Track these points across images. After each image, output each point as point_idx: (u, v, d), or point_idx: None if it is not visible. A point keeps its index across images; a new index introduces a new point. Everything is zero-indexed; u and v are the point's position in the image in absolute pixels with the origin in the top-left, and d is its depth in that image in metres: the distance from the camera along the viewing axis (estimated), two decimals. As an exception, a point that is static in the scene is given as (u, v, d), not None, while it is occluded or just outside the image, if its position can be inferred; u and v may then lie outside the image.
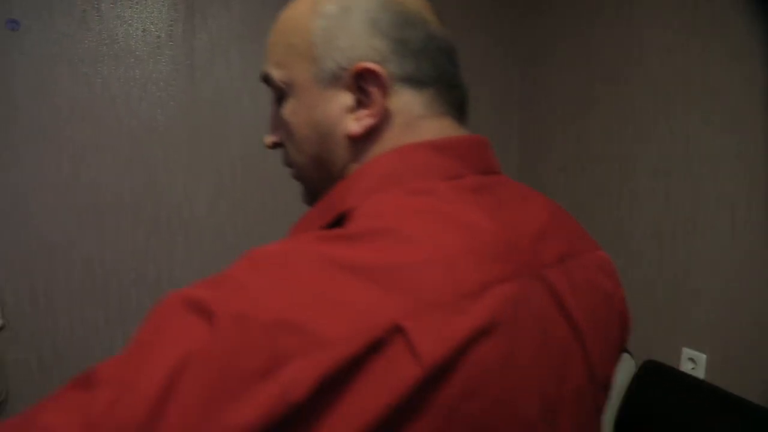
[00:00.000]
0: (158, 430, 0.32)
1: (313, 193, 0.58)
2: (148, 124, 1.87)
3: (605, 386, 0.54)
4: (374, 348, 0.34)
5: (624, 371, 1.60)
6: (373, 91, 0.49)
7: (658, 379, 1.54)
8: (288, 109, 0.55)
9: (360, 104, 0.51)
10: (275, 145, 0.59)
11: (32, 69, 1.79)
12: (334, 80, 0.50)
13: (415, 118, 0.51)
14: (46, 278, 1.88)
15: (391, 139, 0.50)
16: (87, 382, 0.36)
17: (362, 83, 0.50)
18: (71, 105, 1.82)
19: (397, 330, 0.35)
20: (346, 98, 0.50)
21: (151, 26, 1.88)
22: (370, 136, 0.51)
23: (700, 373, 1.58)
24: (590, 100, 2.06)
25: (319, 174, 0.55)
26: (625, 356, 1.62)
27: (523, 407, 0.41)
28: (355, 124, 0.50)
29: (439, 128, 0.52)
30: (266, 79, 0.56)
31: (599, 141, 2.03)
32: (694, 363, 1.61)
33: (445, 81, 0.53)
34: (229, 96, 1.94)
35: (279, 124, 0.57)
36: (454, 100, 0.54)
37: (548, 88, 2.26)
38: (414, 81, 0.51)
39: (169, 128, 1.89)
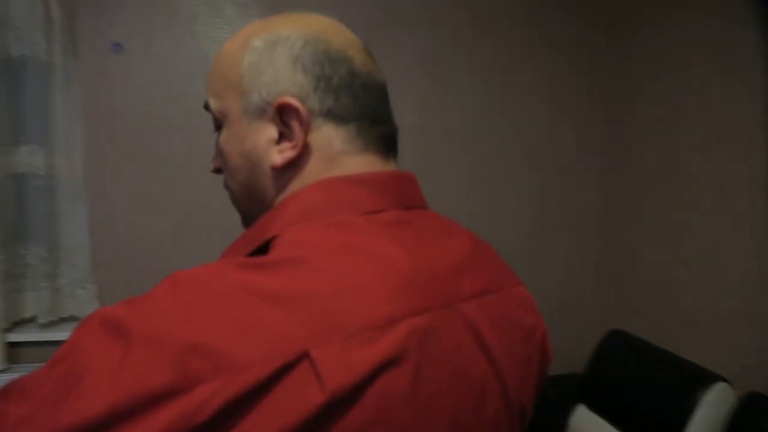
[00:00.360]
0: None
1: (246, 219, 0.60)
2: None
3: (521, 416, 0.55)
4: (281, 373, 0.36)
5: (722, 401, 1.59)
6: (294, 125, 0.51)
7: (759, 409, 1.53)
8: (223, 138, 0.56)
9: (283, 137, 0.52)
10: (217, 171, 0.61)
11: (133, 88, 1.92)
12: (261, 113, 0.52)
13: (336, 152, 0.52)
14: (142, 283, 1.99)
15: (313, 172, 0.52)
16: (5, 394, 0.39)
17: (285, 117, 0.51)
18: (167, 121, 1.94)
19: (305, 356, 0.37)
20: (271, 131, 0.52)
21: (241, 46, 1.98)
22: (291, 168, 0.52)
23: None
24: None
25: (250, 201, 0.57)
26: (723, 386, 1.60)
27: None
28: (278, 156, 0.52)
29: (361, 163, 0.53)
30: (206, 107, 0.58)
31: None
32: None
33: (368, 117, 0.54)
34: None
35: (217, 151, 0.59)
36: (379, 136, 0.55)
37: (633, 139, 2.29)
38: (335, 116, 0.52)
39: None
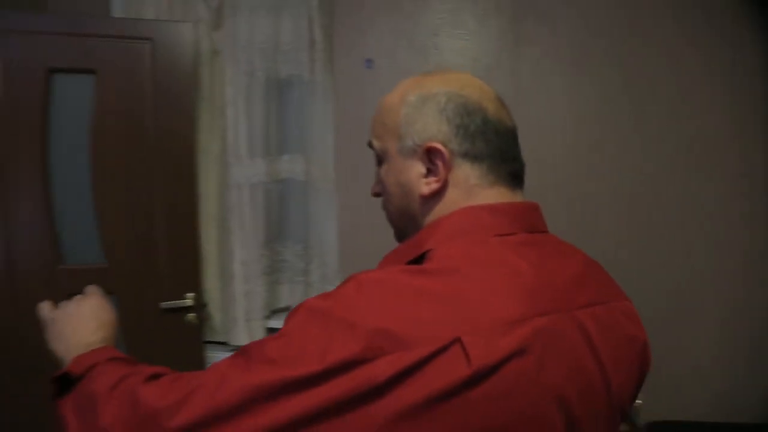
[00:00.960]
0: (293, 386, 0.50)
1: (400, 234, 0.76)
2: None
3: (620, 414, 0.64)
4: (439, 352, 0.49)
5: None
6: (439, 163, 0.65)
7: None
8: (383, 171, 0.73)
9: (429, 172, 0.67)
10: (376, 195, 0.77)
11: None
12: (412, 153, 0.67)
13: (471, 185, 0.66)
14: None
15: (453, 201, 0.66)
16: (241, 352, 0.56)
17: (431, 157, 0.66)
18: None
19: (458, 341, 0.50)
20: (420, 167, 0.67)
21: (482, 56, 2.00)
22: (436, 197, 0.67)
23: None
24: None
25: (403, 221, 0.73)
26: None
27: (547, 416, 0.54)
28: (425, 187, 0.67)
29: (493, 195, 0.66)
30: (370, 146, 0.74)
31: None
32: None
33: (498, 157, 0.67)
34: (552, 122, 1.98)
35: (378, 180, 0.75)
36: (507, 173, 0.68)
37: None
38: (471, 157, 0.66)
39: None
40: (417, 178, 0.68)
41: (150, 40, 1.91)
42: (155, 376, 0.62)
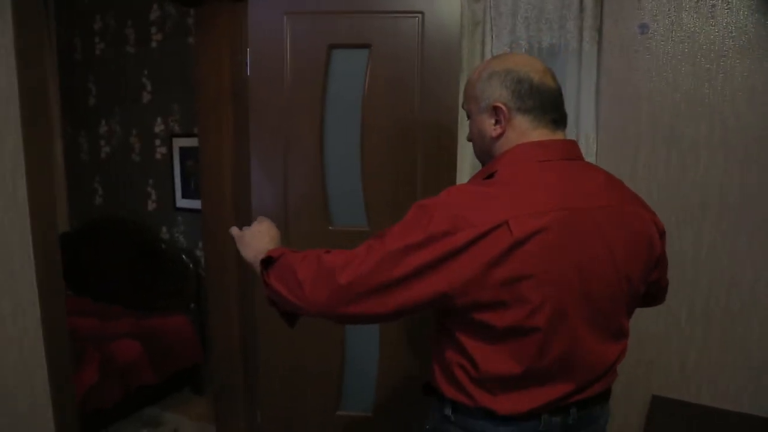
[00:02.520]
0: (412, 249, 0.92)
1: (482, 162, 1.16)
2: None
3: (627, 280, 1.03)
4: (493, 229, 0.89)
5: None
6: (501, 116, 1.05)
7: None
8: (471, 124, 1.14)
9: (496, 122, 1.07)
10: (470, 140, 1.17)
11: (655, 68, 1.88)
12: (486, 111, 1.08)
13: (523, 129, 1.05)
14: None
15: (512, 140, 1.05)
16: (382, 235, 0.98)
17: (497, 112, 1.06)
18: (690, 100, 1.85)
19: (506, 222, 0.89)
20: (490, 119, 1.07)
21: (787, 13, 1.73)
22: (501, 138, 1.07)
23: None
24: None
25: (482, 154, 1.15)
26: None
27: (565, 274, 0.94)
28: (494, 131, 1.07)
29: (537, 135, 1.05)
30: (463, 106, 1.17)
31: None
32: None
33: (540, 110, 1.04)
34: None
35: (470, 130, 1.16)
36: (549, 120, 1.05)
37: None
38: (522, 111, 1.04)
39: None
40: (489, 126, 1.08)
41: (421, 14, 1.98)
42: (328, 252, 1.04)
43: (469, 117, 1.14)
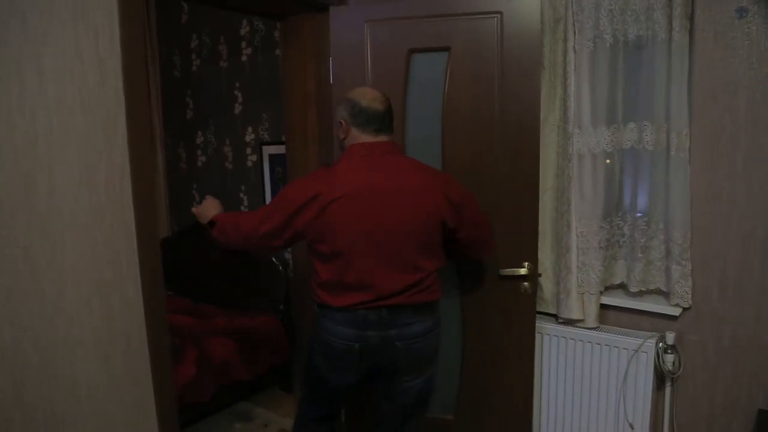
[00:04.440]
0: (288, 225, 1.68)
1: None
2: None
3: (413, 232, 1.63)
4: (314, 197, 1.61)
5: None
6: (344, 127, 1.71)
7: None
8: (334, 132, 1.95)
9: (341, 131, 1.73)
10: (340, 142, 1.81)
11: (756, 54, 1.76)
12: (337, 124, 1.74)
13: (355, 136, 1.69)
14: (739, 267, 1.87)
15: (349, 142, 1.70)
16: (272, 204, 1.77)
17: (340, 125, 1.72)
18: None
19: (320, 194, 1.61)
20: (338, 129, 1.74)
21: None
22: (344, 141, 1.73)
23: None
24: None
25: (339, 150, 1.77)
26: None
27: (355, 223, 1.60)
28: (340, 136, 1.74)
29: (362, 138, 1.68)
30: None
31: None
32: None
33: (366, 124, 1.67)
34: None
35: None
36: (372, 129, 1.68)
37: None
38: (354, 124, 1.68)
39: None
40: (337, 133, 1.74)
41: (499, 14, 1.97)
42: (244, 214, 1.87)
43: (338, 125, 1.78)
